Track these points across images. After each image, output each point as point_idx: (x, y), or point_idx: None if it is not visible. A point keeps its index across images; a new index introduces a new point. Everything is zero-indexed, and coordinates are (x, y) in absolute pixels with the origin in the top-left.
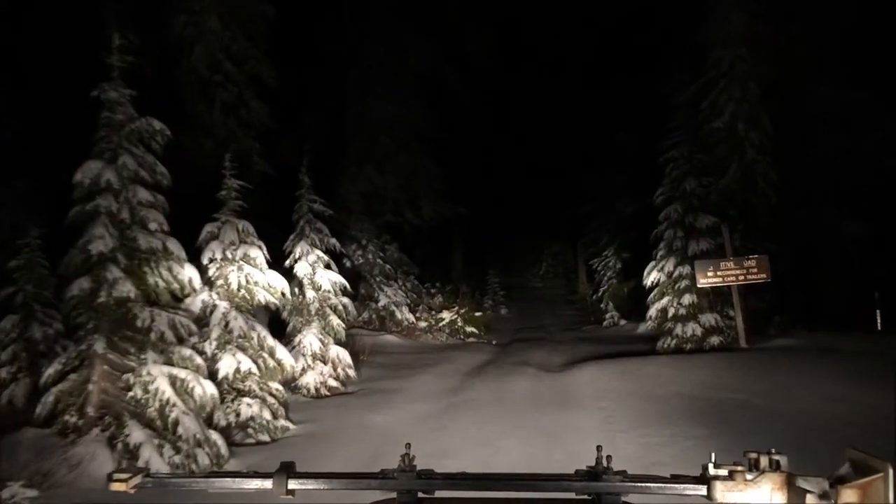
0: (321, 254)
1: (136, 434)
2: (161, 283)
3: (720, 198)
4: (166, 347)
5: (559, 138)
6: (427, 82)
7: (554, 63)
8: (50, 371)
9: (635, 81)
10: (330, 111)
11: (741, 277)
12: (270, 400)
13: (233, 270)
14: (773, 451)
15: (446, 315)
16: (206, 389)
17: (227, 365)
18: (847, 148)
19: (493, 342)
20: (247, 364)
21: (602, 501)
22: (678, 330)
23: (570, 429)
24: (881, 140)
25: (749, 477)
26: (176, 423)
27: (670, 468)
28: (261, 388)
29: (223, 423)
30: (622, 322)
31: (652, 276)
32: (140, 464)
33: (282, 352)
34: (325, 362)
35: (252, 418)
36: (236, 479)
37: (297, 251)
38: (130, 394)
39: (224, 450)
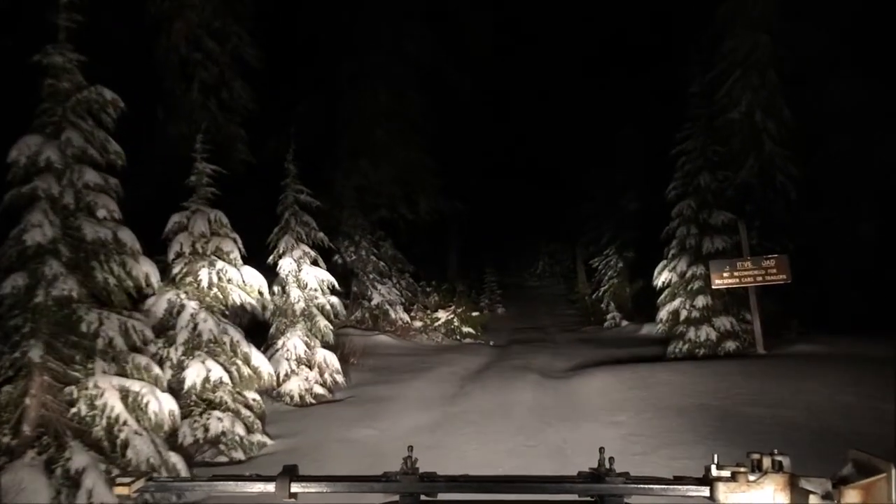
0: (307, 249)
1: (78, 458)
2: (112, 281)
3: (736, 193)
4: (118, 356)
5: (560, 134)
6: (424, 73)
7: (556, 55)
8: None
9: (640, 74)
10: (322, 101)
11: (759, 278)
12: (245, 412)
13: (203, 266)
14: (776, 451)
15: (442, 315)
16: (163, 405)
17: (195, 374)
18: (861, 147)
19: (491, 343)
20: (218, 372)
21: (605, 503)
22: (691, 334)
23: (586, 448)
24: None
25: (752, 478)
26: (126, 444)
27: None
28: (234, 400)
29: (189, 439)
30: (624, 323)
31: (663, 276)
32: (81, 493)
33: (258, 358)
34: (310, 367)
35: (223, 433)
36: (239, 483)
37: (282, 246)
38: (74, 410)
39: (185, 473)
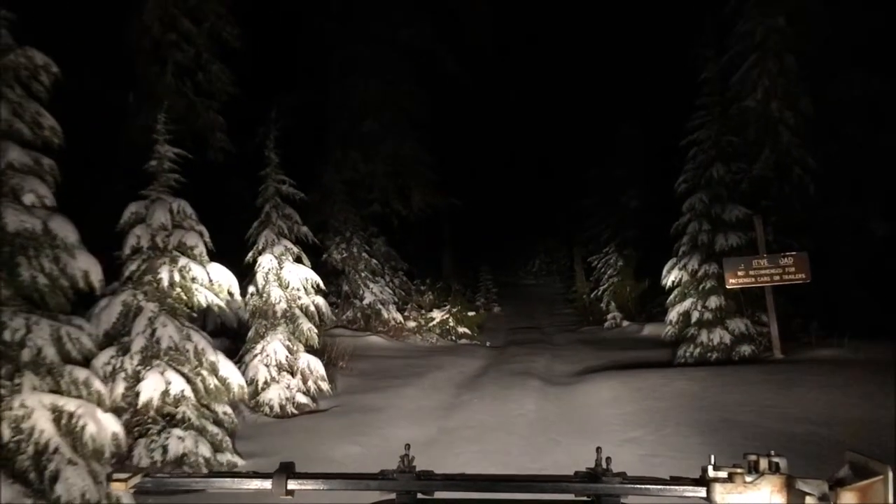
0: (290, 244)
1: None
2: (41, 280)
3: (751, 186)
4: (53, 369)
5: (559, 128)
6: (419, 62)
7: (556, 46)
8: None
9: (645, 63)
10: (311, 90)
11: (776, 278)
12: (212, 429)
13: (164, 263)
14: (773, 452)
15: (437, 314)
16: (103, 427)
17: (152, 387)
18: (873, 140)
19: (488, 344)
20: (179, 385)
21: (601, 503)
22: (703, 337)
23: None
24: None
25: (748, 479)
26: (55, 477)
27: None
28: (199, 415)
29: (146, 461)
30: (625, 323)
31: (673, 275)
32: None
33: (227, 368)
34: (292, 374)
35: (185, 455)
36: (235, 480)
37: (261, 241)
38: None
39: None
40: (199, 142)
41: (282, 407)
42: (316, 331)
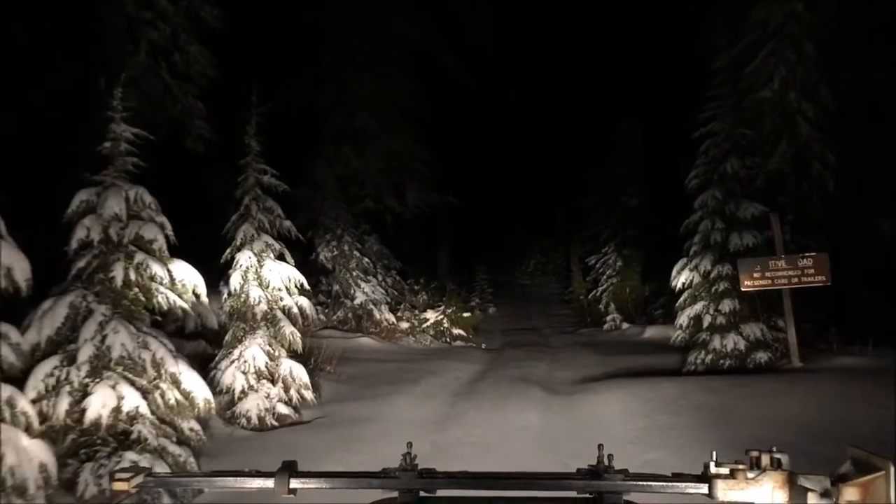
0: (271, 240)
1: None
2: None
3: (767, 182)
4: None
5: (559, 125)
6: (415, 56)
7: (555, 40)
8: None
9: (649, 54)
10: (303, 81)
11: (795, 280)
12: (174, 449)
13: (118, 259)
14: (775, 448)
15: (431, 315)
16: (27, 457)
17: (101, 402)
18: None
19: (483, 346)
20: (133, 400)
21: (604, 500)
22: (716, 343)
23: None
24: None
25: (750, 475)
26: None
27: None
28: (158, 434)
29: (93, 489)
30: (625, 325)
31: (683, 277)
32: None
33: (191, 380)
34: (273, 382)
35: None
36: (238, 479)
37: (240, 236)
38: None
39: None
40: (177, 129)
41: (260, 419)
42: (299, 335)
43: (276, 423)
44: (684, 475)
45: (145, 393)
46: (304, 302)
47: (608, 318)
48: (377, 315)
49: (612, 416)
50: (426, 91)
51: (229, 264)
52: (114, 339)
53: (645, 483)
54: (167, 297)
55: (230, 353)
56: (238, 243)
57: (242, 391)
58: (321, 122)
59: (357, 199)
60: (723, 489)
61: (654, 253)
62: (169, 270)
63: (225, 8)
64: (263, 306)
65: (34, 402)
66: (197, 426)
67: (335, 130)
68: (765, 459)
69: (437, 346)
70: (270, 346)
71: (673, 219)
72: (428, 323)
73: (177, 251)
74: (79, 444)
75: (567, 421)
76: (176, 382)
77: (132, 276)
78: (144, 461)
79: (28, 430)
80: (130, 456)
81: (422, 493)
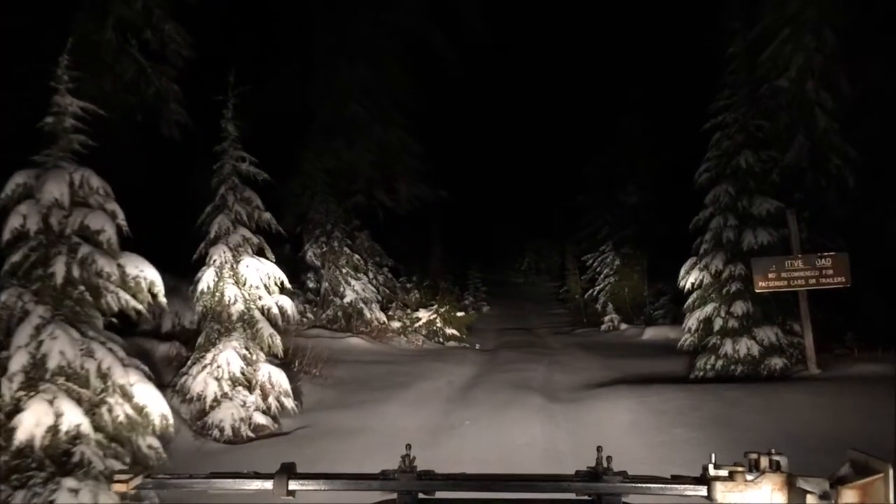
0: (249, 234)
1: None
2: None
3: (782, 177)
4: None
5: (557, 118)
6: (409, 45)
7: (554, 32)
8: None
9: (644, 54)
10: (292, 71)
11: (812, 281)
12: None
13: (60, 253)
14: (773, 451)
15: (423, 314)
16: None
17: (34, 420)
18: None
19: (478, 346)
20: (74, 417)
21: (602, 502)
22: (727, 347)
23: None
24: None
25: (749, 477)
26: None
27: None
28: (107, 455)
29: None
30: (623, 326)
31: (692, 277)
32: None
33: (145, 393)
34: (250, 389)
35: None
36: (237, 480)
37: (214, 229)
38: None
39: None
40: (152, 113)
41: (235, 430)
42: (279, 337)
43: (252, 435)
44: (683, 477)
45: (91, 407)
46: (286, 301)
47: (606, 318)
48: (368, 314)
49: (622, 429)
50: (420, 82)
51: (203, 260)
52: (51, 346)
53: (644, 485)
54: (118, 297)
55: (202, 356)
56: (212, 237)
57: (215, 399)
58: (310, 113)
59: (348, 194)
60: (722, 491)
61: (654, 252)
62: (120, 266)
63: None
64: (240, 306)
65: None
66: (156, 443)
67: (325, 122)
68: (764, 462)
69: (430, 347)
70: (247, 349)
71: (675, 217)
72: (420, 322)
73: (144, 246)
74: (10, 467)
75: (572, 434)
76: (126, 396)
77: (76, 272)
78: (85, 492)
79: None
80: (69, 483)
81: (420, 495)
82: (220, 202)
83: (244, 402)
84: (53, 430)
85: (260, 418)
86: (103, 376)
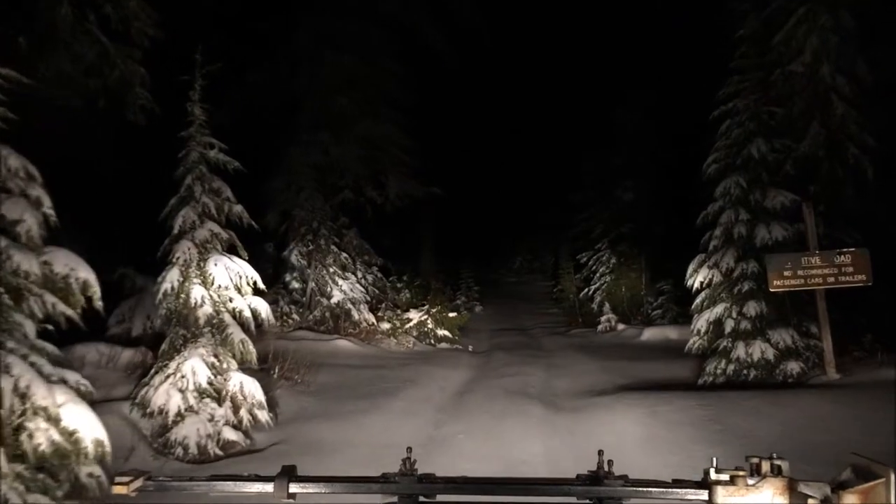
0: (218, 229)
1: None
2: None
3: (796, 168)
4: None
5: (551, 113)
6: (400, 35)
7: (552, 25)
8: None
9: (644, 47)
10: (276, 61)
11: (831, 279)
12: None
13: None
14: (775, 455)
15: (414, 315)
16: None
17: None
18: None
19: (470, 348)
20: None
21: None
22: (739, 351)
23: None
24: None
25: (751, 482)
26: None
27: None
28: (30, 489)
29: None
30: (620, 326)
31: (700, 275)
32: None
33: (76, 416)
34: (219, 401)
35: None
36: (238, 483)
37: (179, 223)
38: None
39: None
40: (115, 98)
41: (201, 447)
42: (251, 343)
43: (220, 453)
44: (685, 481)
45: (10, 432)
46: (259, 304)
47: (602, 318)
48: (356, 315)
49: (633, 446)
50: (411, 74)
51: (167, 257)
52: None
53: (645, 489)
54: (42, 301)
55: (166, 365)
56: (176, 232)
57: (178, 413)
58: (295, 106)
59: (335, 190)
60: (723, 495)
61: (652, 250)
62: (46, 264)
63: None
64: (208, 309)
65: None
66: (97, 470)
67: (311, 115)
68: (765, 466)
69: (421, 349)
70: (216, 356)
71: (674, 213)
72: (411, 323)
73: (112, 242)
74: None
75: (578, 451)
76: (52, 420)
77: None
78: None
79: None
80: None
81: (421, 499)
82: (185, 193)
83: (212, 416)
84: None
85: (230, 434)
86: (22, 396)
